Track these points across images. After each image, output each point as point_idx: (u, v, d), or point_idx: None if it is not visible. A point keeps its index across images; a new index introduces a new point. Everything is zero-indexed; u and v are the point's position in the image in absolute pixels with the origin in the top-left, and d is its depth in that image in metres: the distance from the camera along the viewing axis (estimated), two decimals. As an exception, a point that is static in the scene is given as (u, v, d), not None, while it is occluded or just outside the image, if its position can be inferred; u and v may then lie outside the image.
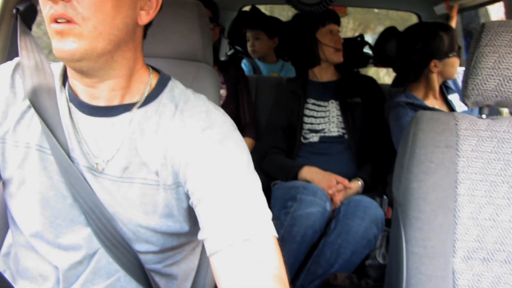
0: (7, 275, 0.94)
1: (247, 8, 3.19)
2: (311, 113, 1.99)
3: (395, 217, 1.13)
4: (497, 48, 1.01)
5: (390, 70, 2.77)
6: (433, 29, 1.82)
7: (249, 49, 2.90)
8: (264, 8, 3.35)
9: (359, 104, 1.98)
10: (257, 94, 2.34)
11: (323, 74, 2.05)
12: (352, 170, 1.92)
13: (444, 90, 1.97)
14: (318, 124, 1.97)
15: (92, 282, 0.88)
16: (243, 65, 2.91)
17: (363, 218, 1.61)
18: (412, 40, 1.84)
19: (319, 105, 1.99)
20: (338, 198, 1.75)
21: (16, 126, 0.87)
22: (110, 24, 0.75)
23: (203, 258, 1.06)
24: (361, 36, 2.61)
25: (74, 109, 0.87)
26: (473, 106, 1.08)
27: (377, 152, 1.93)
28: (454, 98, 1.97)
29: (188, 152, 0.81)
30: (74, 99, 0.87)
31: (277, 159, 1.98)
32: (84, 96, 0.85)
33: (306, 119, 1.99)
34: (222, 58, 3.31)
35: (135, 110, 0.85)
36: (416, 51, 1.82)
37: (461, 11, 2.69)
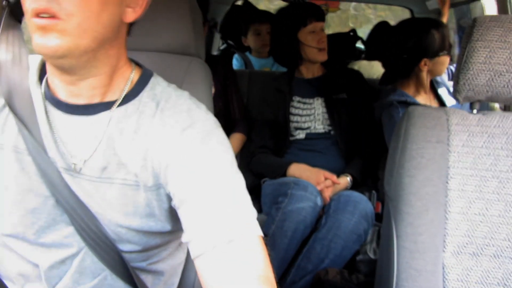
0: None
1: (239, 2, 3.18)
2: (297, 111, 1.99)
3: (386, 212, 1.13)
4: (488, 43, 1.01)
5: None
6: (425, 26, 1.81)
7: (259, 43, 2.87)
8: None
9: (344, 100, 1.97)
10: (249, 88, 2.33)
11: (308, 71, 2.04)
12: (340, 165, 1.92)
13: (435, 84, 1.97)
14: (304, 122, 1.97)
15: (78, 282, 0.86)
16: (234, 60, 2.91)
17: (353, 213, 1.61)
18: (403, 36, 1.83)
19: (304, 103, 1.99)
20: (327, 194, 1.75)
21: None
22: (95, 21, 0.73)
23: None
24: (354, 30, 2.61)
25: (50, 107, 0.84)
26: (465, 101, 1.09)
27: (365, 147, 1.94)
28: (442, 92, 1.98)
29: (168, 153, 0.79)
30: (51, 97, 0.84)
31: (264, 158, 1.98)
32: (63, 93, 0.83)
33: (292, 117, 1.98)
34: (215, 52, 3.30)
35: (114, 109, 0.83)
36: (407, 48, 1.81)
37: (453, 6, 2.70)
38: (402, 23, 1.94)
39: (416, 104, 1.80)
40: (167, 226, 0.87)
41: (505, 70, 1.01)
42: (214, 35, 3.27)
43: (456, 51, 2.73)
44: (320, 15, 1.97)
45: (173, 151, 0.79)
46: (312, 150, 1.95)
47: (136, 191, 0.82)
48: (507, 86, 1.02)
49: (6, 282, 0.91)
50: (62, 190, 0.82)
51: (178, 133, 0.80)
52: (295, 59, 2.01)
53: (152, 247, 0.90)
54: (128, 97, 0.84)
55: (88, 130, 0.82)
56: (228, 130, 2.10)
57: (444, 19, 2.62)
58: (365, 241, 1.65)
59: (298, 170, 1.84)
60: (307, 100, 1.99)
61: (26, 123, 0.82)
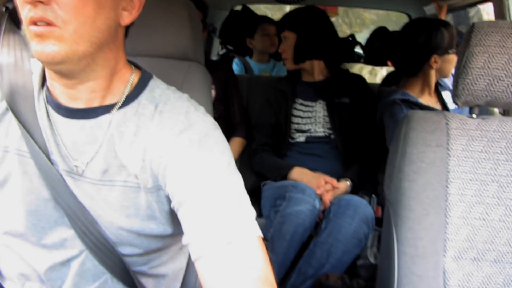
0: None
1: (238, 8, 3.20)
2: (298, 113, 1.99)
3: (386, 217, 1.13)
4: (486, 48, 1.02)
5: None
6: (434, 24, 1.83)
7: (267, 44, 2.90)
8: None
9: (346, 104, 1.97)
10: (249, 93, 2.33)
11: (312, 74, 2.04)
12: (339, 169, 1.92)
13: (439, 87, 1.98)
14: (305, 124, 1.97)
15: (79, 285, 0.87)
16: (234, 65, 2.91)
17: (353, 218, 1.61)
18: (414, 33, 1.84)
19: (306, 105, 1.99)
20: (327, 198, 1.75)
21: None
22: (91, 27, 0.74)
23: None
24: (352, 36, 2.62)
25: (52, 111, 0.85)
26: (464, 106, 1.09)
27: (365, 152, 1.94)
28: (446, 95, 1.98)
29: (166, 155, 0.80)
30: (52, 101, 0.85)
31: (267, 158, 1.98)
32: (63, 97, 0.83)
33: (293, 119, 1.99)
34: (214, 57, 3.31)
35: (114, 112, 0.83)
36: (417, 44, 1.82)
37: (450, 11, 2.71)
38: (412, 22, 1.96)
39: (418, 104, 1.80)
40: (168, 229, 0.87)
41: (503, 75, 1.01)
42: (213, 40, 3.28)
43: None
44: (279, 27, 2.05)
45: (171, 153, 0.79)
46: (312, 154, 1.95)
47: (137, 193, 0.83)
48: (506, 91, 1.02)
49: (7, 282, 0.91)
50: (63, 193, 0.82)
51: (176, 135, 0.80)
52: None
53: (153, 251, 0.90)
54: (128, 100, 0.85)
55: (88, 134, 0.83)
56: (229, 134, 2.10)
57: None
58: (366, 246, 1.65)
59: (300, 174, 1.84)
60: (309, 103, 1.99)
61: (28, 127, 0.83)
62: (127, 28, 0.86)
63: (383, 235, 1.20)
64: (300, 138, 1.97)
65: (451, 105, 1.93)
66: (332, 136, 1.94)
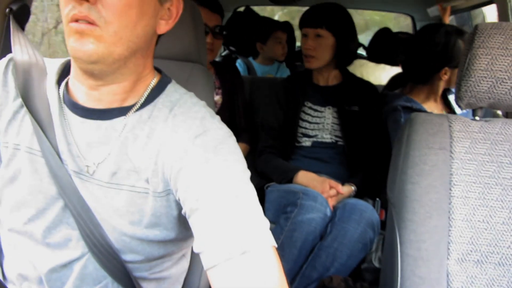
0: None
1: (241, 9, 3.20)
2: (306, 117, 1.96)
3: (389, 219, 1.13)
4: (490, 50, 1.01)
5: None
6: (452, 35, 1.79)
7: (279, 51, 2.91)
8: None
9: (356, 112, 1.94)
10: (252, 95, 2.33)
11: (324, 78, 2.01)
12: (344, 174, 1.91)
13: (446, 91, 1.96)
14: (312, 130, 1.95)
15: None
16: (237, 65, 2.91)
17: (359, 222, 1.60)
18: (430, 42, 1.80)
19: (315, 110, 1.96)
20: (331, 203, 1.74)
21: (7, 126, 0.87)
22: (131, 31, 0.75)
23: (195, 259, 1.05)
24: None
25: (67, 110, 0.85)
26: (467, 108, 1.09)
27: (372, 159, 1.92)
28: (452, 99, 1.97)
29: (180, 159, 0.79)
30: (68, 100, 0.85)
31: (272, 159, 1.95)
32: (82, 97, 0.84)
33: (300, 123, 1.96)
34: (217, 58, 3.31)
35: (130, 114, 0.84)
36: (431, 54, 1.79)
37: (453, 13, 2.70)
38: (430, 29, 1.88)
39: (421, 110, 1.79)
40: (171, 234, 0.86)
41: (506, 77, 1.01)
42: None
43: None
44: (312, 21, 1.91)
45: (185, 157, 0.78)
46: (318, 159, 1.93)
47: (144, 199, 0.82)
48: (509, 93, 1.02)
49: (9, 284, 0.92)
50: (71, 194, 0.82)
51: (191, 139, 0.80)
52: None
53: (155, 258, 0.89)
54: (144, 103, 0.85)
55: (102, 135, 0.83)
56: None
57: (445, 26, 2.63)
58: (370, 250, 1.64)
59: (306, 178, 1.82)
60: (318, 108, 1.96)
61: (42, 125, 0.83)
62: (159, 37, 0.88)
63: (386, 238, 1.20)
64: (306, 142, 1.95)
65: (458, 109, 1.92)
66: (339, 143, 1.93)
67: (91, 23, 0.72)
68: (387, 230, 1.18)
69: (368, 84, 2.06)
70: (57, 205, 0.85)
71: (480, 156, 1.04)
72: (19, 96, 0.86)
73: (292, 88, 2.02)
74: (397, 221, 1.06)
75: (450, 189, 1.03)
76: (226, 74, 2.09)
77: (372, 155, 1.92)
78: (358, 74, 2.11)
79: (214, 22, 1.88)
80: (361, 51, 2.86)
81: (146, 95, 0.85)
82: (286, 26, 2.93)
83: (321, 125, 1.95)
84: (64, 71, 0.89)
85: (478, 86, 1.03)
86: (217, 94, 2.03)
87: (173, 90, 0.88)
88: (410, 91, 1.91)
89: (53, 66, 0.90)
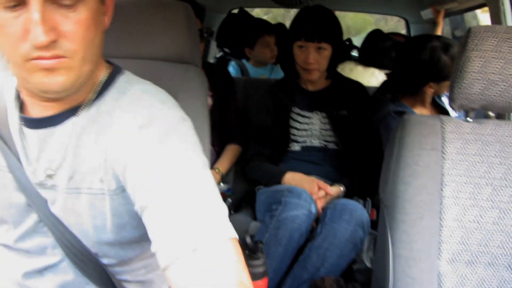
0: None
1: (235, 11, 3.20)
2: (294, 124, 1.96)
3: (381, 220, 1.14)
4: (483, 53, 1.02)
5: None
6: (438, 51, 1.79)
7: (268, 55, 2.89)
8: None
9: (345, 116, 1.94)
10: (245, 96, 2.33)
11: (313, 82, 1.99)
12: (334, 175, 1.91)
13: (436, 97, 1.97)
14: (300, 136, 1.95)
15: None
16: (231, 67, 2.91)
17: (349, 222, 1.60)
18: (416, 57, 1.81)
19: (303, 116, 1.96)
20: (320, 205, 1.74)
21: None
22: (91, 48, 0.75)
23: None
24: (349, 40, 2.62)
25: (22, 125, 0.84)
26: (459, 109, 1.09)
27: (362, 161, 1.93)
28: (445, 101, 1.99)
29: (125, 153, 0.75)
30: (20, 116, 0.84)
31: (261, 165, 1.95)
32: (35, 110, 0.82)
33: (289, 129, 1.96)
34: (211, 60, 3.31)
35: (81, 113, 0.81)
36: (416, 72, 1.81)
37: (447, 15, 2.72)
38: (414, 44, 1.88)
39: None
40: (140, 232, 0.82)
41: (499, 80, 1.02)
42: (210, 43, 3.28)
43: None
44: (313, 36, 1.83)
45: (130, 151, 0.75)
46: (308, 161, 1.94)
47: (102, 201, 0.80)
48: (501, 95, 1.03)
49: None
50: (41, 205, 0.82)
51: (135, 130, 0.76)
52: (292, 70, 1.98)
53: (131, 260, 0.88)
54: (94, 99, 0.82)
55: (55, 141, 0.81)
56: (224, 140, 2.09)
57: (439, 30, 2.65)
58: (361, 250, 1.65)
59: (293, 179, 1.83)
60: (306, 114, 1.96)
61: (6, 141, 0.83)
62: None
63: (378, 238, 1.20)
64: (296, 147, 1.96)
65: (451, 111, 1.93)
66: (329, 147, 1.93)
67: (59, 56, 0.70)
68: (379, 231, 1.18)
69: (357, 84, 2.04)
70: (31, 218, 0.84)
71: (471, 156, 1.05)
72: None
73: (280, 95, 2.00)
74: (389, 222, 1.07)
75: (442, 190, 1.03)
76: (217, 76, 2.08)
77: (363, 156, 1.93)
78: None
79: None
80: (353, 53, 2.86)
81: (95, 91, 0.82)
82: (273, 29, 2.93)
83: (309, 131, 1.94)
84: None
85: (471, 88, 1.04)
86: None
87: (124, 82, 0.85)
88: (400, 97, 1.93)
89: (10, 82, 0.87)
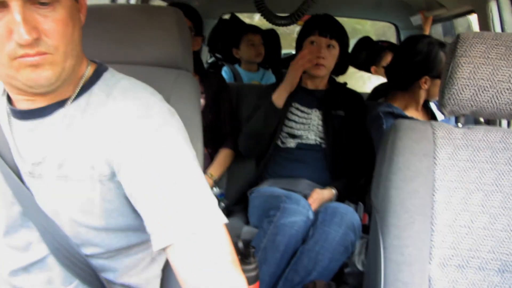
0: None
1: (226, 16, 3.21)
2: (293, 117, 1.99)
3: (373, 224, 1.14)
4: (472, 59, 1.03)
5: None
6: (435, 46, 1.84)
7: (252, 53, 2.90)
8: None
9: (341, 117, 1.98)
10: (238, 102, 2.33)
11: (312, 83, 2.04)
12: (326, 179, 1.93)
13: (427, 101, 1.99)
14: (298, 129, 1.97)
15: None
16: (223, 73, 2.91)
17: (340, 225, 1.61)
18: (413, 50, 1.85)
19: (302, 111, 1.99)
20: (313, 207, 1.75)
21: None
22: (72, 44, 0.79)
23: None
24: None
25: (10, 116, 0.87)
26: (450, 115, 1.10)
27: (355, 165, 1.94)
28: (433, 106, 2.00)
29: (122, 141, 0.81)
30: (8, 107, 0.87)
31: (249, 124, 1.97)
32: (22, 103, 0.85)
33: (287, 123, 1.98)
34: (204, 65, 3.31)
35: (67, 106, 0.85)
36: (413, 62, 1.83)
37: (435, 22, 2.75)
38: (414, 38, 1.94)
39: (402, 115, 1.82)
40: (127, 221, 0.87)
41: (488, 86, 1.03)
42: (202, 49, 3.28)
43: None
44: (322, 29, 1.93)
45: (127, 139, 0.80)
46: (300, 161, 1.95)
47: (91, 186, 0.83)
48: (491, 101, 1.04)
49: None
50: (24, 196, 0.84)
51: (133, 119, 0.82)
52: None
53: (117, 250, 0.89)
54: (81, 92, 0.87)
55: (44, 131, 0.85)
56: (217, 143, 2.08)
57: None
58: (353, 253, 1.65)
59: (279, 94, 1.89)
60: (305, 109, 1.99)
61: None
62: None
63: (370, 243, 1.21)
64: (291, 143, 1.97)
65: (439, 116, 1.95)
66: (323, 145, 1.95)
67: (42, 53, 0.75)
68: (370, 235, 1.19)
69: (353, 92, 2.11)
70: (15, 209, 0.86)
71: (463, 162, 1.05)
72: None
73: None
74: (380, 226, 1.07)
75: (433, 195, 1.04)
76: (211, 79, 2.09)
77: (356, 161, 1.94)
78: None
79: None
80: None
81: (81, 85, 0.87)
82: (256, 29, 2.95)
83: (307, 125, 1.97)
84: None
85: (461, 94, 1.05)
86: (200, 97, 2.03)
87: (110, 76, 0.90)
88: (392, 99, 1.94)
89: None
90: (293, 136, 1.97)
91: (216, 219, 0.78)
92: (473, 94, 1.04)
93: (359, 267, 1.63)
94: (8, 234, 0.87)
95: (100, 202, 0.84)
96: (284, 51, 3.31)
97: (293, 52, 2.29)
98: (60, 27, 0.76)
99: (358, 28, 5.47)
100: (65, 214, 0.84)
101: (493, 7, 1.77)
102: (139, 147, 0.80)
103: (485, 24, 1.81)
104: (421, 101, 1.91)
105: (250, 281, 1.07)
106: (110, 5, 1.94)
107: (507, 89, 1.02)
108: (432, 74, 1.82)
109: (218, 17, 3.24)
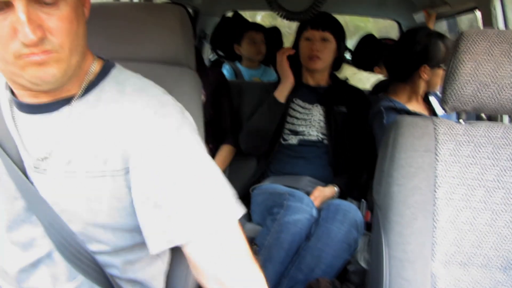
0: None
1: (229, 14, 3.21)
2: (294, 113, 1.99)
3: (375, 221, 1.14)
4: (474, 56, 1.03)
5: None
6: (434, 36, 1.85)
7: (253, 51, 2.90)
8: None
9: (343, 113, 1.98)
10: (240, 99, 2.33)
11: (314, 79, 2.05)
12: (328, 175, 1.93)
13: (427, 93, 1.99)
14: (299, 125, 1.97)
15: (53, 287, 0.87)
16: (224, 70, 2.92)
17: (342, 222, 1.61)
18: (412, 41, 1.86)
19: (303, 107, 1.99)
20: (315, 204, 1.75)
21: None
22: (77, 40, 0.79)
23: (177, 260, 1.05)
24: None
25: (15, 109, 0.87)
26: (451, 111, 1.10)
27: (357, 162, 1.94)
28: (433, 100, 2.00)
29: (140, 137, 0.81)
30: (14, 100, 0.87)
31: (252, 121, 1.98)
32: (27, 98, 0.85)
33: (288, 119, 1.99)
34: (205, 63, 3.31)
35: (75, 102, 0.85)
36: (412, 52, 1.84)
37: (438, 19, 2.74)
38: (413, 30, 1.97)
39: (404, 109, 1.82)
40: (134, 220, 0.86)
41: (490, 82, 1.03)
42: (204, 46, 3.28)
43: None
44: (316, 24, 1.96)
45: (146, 136, 0.81)
46: (302, 157, 1.95)
47: (102, 183, 0.83)
48: (493, 97, 1.04)
49: None
50: (28, 191, 0.84)
51: (151, 116, 0.82)
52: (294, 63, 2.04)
53: (122, 249, 0.89)
54: (89, 88, 0.86)
55: (50, 127, 0.84)
56: (218, 139, 2.09)
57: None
58: (356, 250, 1.65)
59: (281, 91, 1.93)
60: (306, 105, 2.00)
61: None
62: None
63: (372, 240, 1.21)
64: (293, 140, 1.97)
65: (438, 111, 1.95)
66: (325, 141, 1.95)
67: (48, 51, 0.75)
68: (373, 232, 1.19)
69: (355, 88, 2.12)
70: (19, 204, 0.86)
71: (464, 158, 1.05)
72: None
73: None
74: (383, 223, 1.07)
75: (435, 191, 1.04)
76: (210, 76, 2.10)
77: (358, 157, 1.94)
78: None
79: None
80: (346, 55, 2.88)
81: (87, 81, 0.87)
82: (258, 26, 2.95)
83: (308, 121, 1.97)
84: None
85: (463, 90, 1.05)
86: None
87: (119, 73, 0.90)
88: (393, 93, 1.94)
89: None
90: (295, 133, 1.97)
91: (236, 212, 0.81)
92: (475, 90, 1.04)
93: (362, 264, 1.63)
94: (11, 229, 0.87)
95: (109, 199, 0.83)
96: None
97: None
98: (64, 25, 0.75)
99: (361, 26, 5.48)
100: (71, 210, 0.84)
101: (497, 4, 1.77)
102: (161, 144, 0.80)
103: (488, 21, 1.80)
104: (422, 92, 1.92)
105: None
106: (113, 2, 1.94)
107: (509, 85, 1.02)
108: (431, 64, 1.83)
109: (221, 15, 3.25)
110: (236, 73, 2.92)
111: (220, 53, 3.11)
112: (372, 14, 3.68)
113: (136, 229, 0.87)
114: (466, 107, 1.07)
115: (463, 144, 1.06)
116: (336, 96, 2.00)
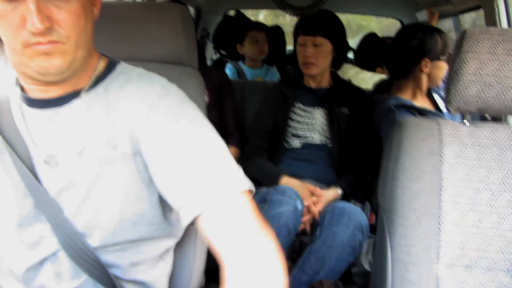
0: None
1: (232, 13, 3.21)
2: (296, 117, 1.98)
3: (380, 223, 1.13)
4: (478, 55, 1.02)
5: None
6: (429, 29, 1.86)
7: (255, 51, 2.89)
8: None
9: (346, 115, 1.96)
10: (243, 99, 2.33)
11: (315, 81, 2.03)
12: (332, 177, 1.91)
13: (431, 89, 1.98)
14: (301, 129, 1.96)
15: (57, 285, 0.89)
16: (227, 69, 2.91)
17: (347, 225, 1.60)
18: (408, 36, 1.87)
19: (305, 111, 1.98)
20: (315, 210, 1.74)
21: None
22: (84, 35, 0.82)
23: (181, 261, 1.04)
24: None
25: (24, 105, 0.88)
26: (456, 112, 1.09)
27: (361, 163, 1.93)
28: (436, 97, 1.99)
29: (146, 117, 0.84)
30: (23, 96, 0.89)
31: (259, 163, 1.95)
32: (35, 93, 0.87)
33: (290, 123, 1.98)
34: (208, 63, 3.30)
35: (83, 95, 0.87)
36: (410, 47, 1.84)
37: (441, 17, 2.73)
38: (408, 26, 1.98)
39: (414, 107, 1.81)
40: (141, 208, 0.88)
41: (494, 82, 1.02)
42: (207, 45, 3.28)
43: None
44: (308, 30, 1.93)
45: (151, 115, 0.84)
46: (307, 160, 1.94)
47: (112, 170, 0.85)
48: (497, 97, 1.03)
49: None
50: (38, 190, 0.86)
51: (156, 98, 0.85)
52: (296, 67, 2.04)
53: (126, 243, 0.91)
54: (97, 82, 0.89)
55: (61, 120, 0.86)
56: (222, 138, 2.08)
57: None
58: (360, 253, 1.64)
59: (288, 184, 1.83)
60: (308, 108, 1.98)
61: (5, 124, 0.88)
62: None
63: (377, 242, 1.20)
64: (296, 143, 1.96)
65: (443, 107, 1.94)
66: (329, 145, 1.94)
67: (54, 42, 0.78)
68: (377, 235, 1.18)
69: (358, 88, 2.10)
70: (28, 201, 0.88)
71: (470, 160, 1.04)
72: None
73: (284, 91, 2.05)
74: (387, 226, 1.06)
75: (440, 194, 1.03)
76: (213, 76, 2.09)
77: (361, 159, 1.93)
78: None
79: None
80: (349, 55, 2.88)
81: (95, 75, 0.90)
82: (261, 26, 2.95)
83: (310, 126, 1.96)
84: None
85: (467, 90, 1.04)
86: None
87: (124, 67, 0.93)
88: (397, 91, 1.93)
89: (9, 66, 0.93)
90: (298, 136, 1.97)
91: (242, 184, 0.81)
92: (479, 90, 1.03)
93: (366, 267, 1.62)
94: (21, 226, 0.89)
95: (119, 184, 0.86)
96: (289, 47, 3.30)
97: None
98: (72, 18, 0.78)
99: (363, 24, 5.48)
100: (80, 200, 0.86)
101: (500, 2, 1.76)
102: (164, 122, 0.83)
103: (491, 19, 1.79)
104: (425, 87, 1.91)
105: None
106: (116, 2, 1.94)
107: None
108: (431, 56, 1.82)
109: (223, 14, 3.24)
110: (239, 72, 2.92)
111: (223, 52, 3.11)
112: (375, 13, 3.68)
113: (144, 220, 0.90)
114: (470, 107, 1.06)
115: (468, 146, 1.05)
116: (337, 97, 1.99)
